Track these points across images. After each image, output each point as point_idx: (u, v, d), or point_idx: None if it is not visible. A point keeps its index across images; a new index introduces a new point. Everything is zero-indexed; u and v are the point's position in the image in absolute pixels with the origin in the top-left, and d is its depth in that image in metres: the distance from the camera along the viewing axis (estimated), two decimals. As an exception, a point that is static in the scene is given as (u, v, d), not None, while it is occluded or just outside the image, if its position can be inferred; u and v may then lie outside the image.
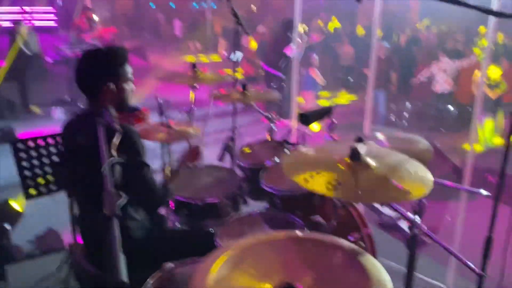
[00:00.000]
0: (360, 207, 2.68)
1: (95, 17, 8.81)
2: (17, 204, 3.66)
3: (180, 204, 2.56)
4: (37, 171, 2.95)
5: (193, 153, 2.52)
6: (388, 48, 8.16)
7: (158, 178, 2.18)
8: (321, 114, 2.71)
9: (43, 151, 2.96)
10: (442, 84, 7.89)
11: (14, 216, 3.67)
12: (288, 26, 7.10)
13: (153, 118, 3.06)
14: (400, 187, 1.50)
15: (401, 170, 1.66)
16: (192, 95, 3.34)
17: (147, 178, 2.06)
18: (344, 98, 9.84)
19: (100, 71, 2.06)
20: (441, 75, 7.87)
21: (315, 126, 2.93)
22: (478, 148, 6.37)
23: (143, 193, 2.08)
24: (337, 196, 2.31)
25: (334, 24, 12.62)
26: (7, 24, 10.69)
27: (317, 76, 7.49)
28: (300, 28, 4.15)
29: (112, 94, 2.08)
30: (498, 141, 6.82)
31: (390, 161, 1.73)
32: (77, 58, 2.12)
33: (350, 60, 10.60)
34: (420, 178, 1.62)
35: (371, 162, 1.67)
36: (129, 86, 2.15)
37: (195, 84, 3.25)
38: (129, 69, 2.14)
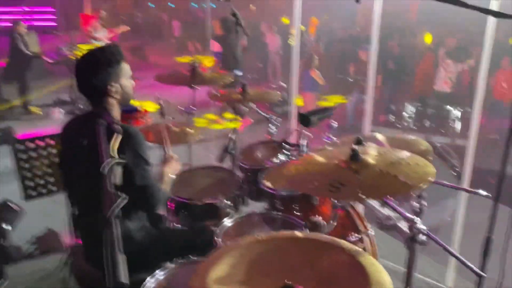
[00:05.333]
0: (360, 207, 2.69)
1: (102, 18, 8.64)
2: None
3: (180, 204, 2.56)
4: (37, 171, 2.95)
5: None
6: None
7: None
8: (321, 115, 2.71)
9: (43, 152, 2.97)
10: (441, 83, 7.94)
11: (12, 217, 3.66)
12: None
13: (152, 119, 3.06)
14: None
15: (401, 164, 1.67)
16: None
17: (148, 179, 2.05)
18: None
19: (100, 74, 2.05)
20: (443, 74, 7.93)
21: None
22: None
23: (144, 193, 2.07)
24: (340, 198, 2.32)
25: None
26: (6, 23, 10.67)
27: (318, 77, 7.46)
28: (300, 27, 4.13)
29: (117, 93, 2.10)
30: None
31: (390, 157, 1.74)
32: (74, 65, 2.10)
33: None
34: (421, 169, 1.63)
35: (370, 159, 1.67)
36: (130, 82, 2.17)
37: (194, 85, 3.24)
38: (127, 66, 2.14)
